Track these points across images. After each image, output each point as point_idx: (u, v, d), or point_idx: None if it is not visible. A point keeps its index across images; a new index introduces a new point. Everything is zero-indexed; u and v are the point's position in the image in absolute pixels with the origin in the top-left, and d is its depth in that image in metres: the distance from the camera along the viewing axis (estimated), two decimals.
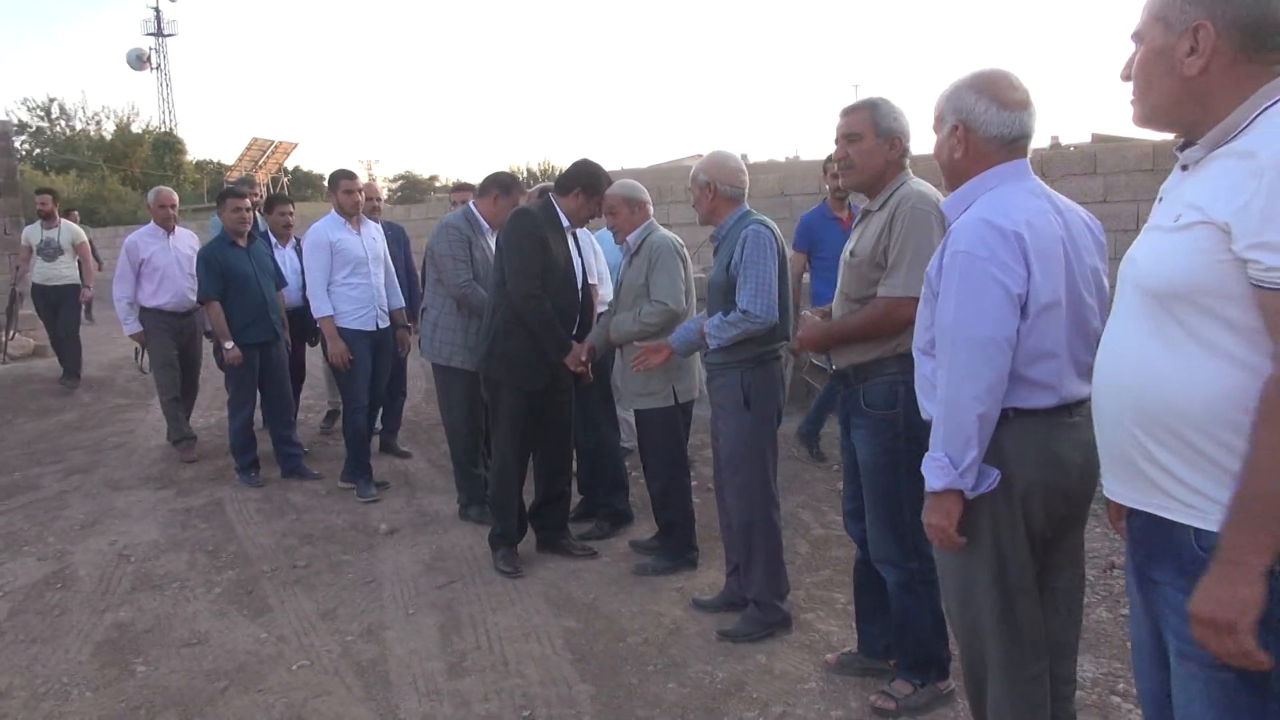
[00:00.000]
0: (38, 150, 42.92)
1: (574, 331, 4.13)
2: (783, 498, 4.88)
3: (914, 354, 2.25)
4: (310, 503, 5.22)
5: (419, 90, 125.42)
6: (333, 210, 5.30)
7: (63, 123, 44.41)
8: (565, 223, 4.06)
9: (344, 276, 5.17)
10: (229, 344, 5.43)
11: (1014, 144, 2.11)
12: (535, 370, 3.99)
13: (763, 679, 3.10)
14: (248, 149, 37.98)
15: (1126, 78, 1.59)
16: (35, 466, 6.20)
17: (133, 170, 36.20)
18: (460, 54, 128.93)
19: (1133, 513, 1.57)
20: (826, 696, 2.98)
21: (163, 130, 43.51)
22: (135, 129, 41.53)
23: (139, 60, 45.62)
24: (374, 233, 5.47)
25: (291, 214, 6.37)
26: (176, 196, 6.68)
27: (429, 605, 3.79)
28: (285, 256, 6.17)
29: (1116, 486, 1.59)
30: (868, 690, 2.96)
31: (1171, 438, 1.46)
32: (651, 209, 4.13)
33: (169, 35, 47.54)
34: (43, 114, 43.82)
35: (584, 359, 4.04)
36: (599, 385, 4.67)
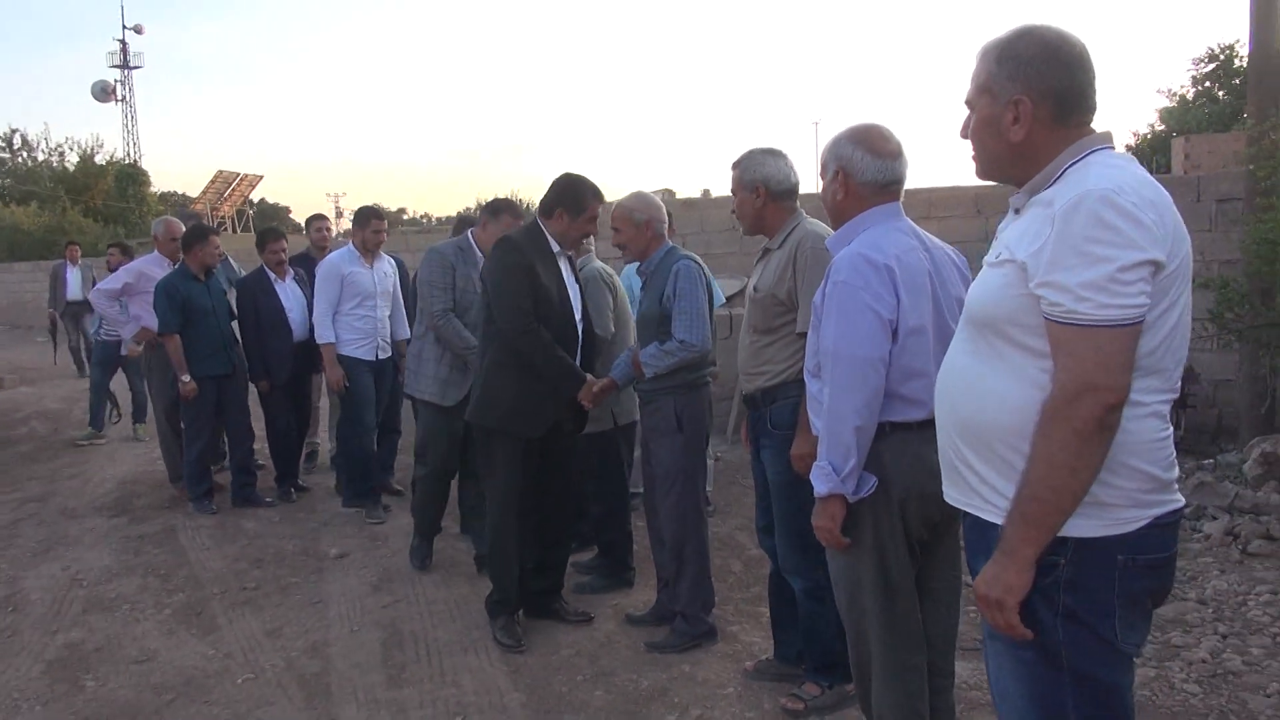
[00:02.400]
0: None
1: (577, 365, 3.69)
2: (721, 520, 5.13)
3: (804, 376, 2.48)
4: (263, 529, 5.34)
5: (386, 123, 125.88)
6: (350, 244, 5.50)
7: (24, 154, 44.00)
8: (555, 248, 3.66)
9: (350, 307, 5.36)
10: (185, 377, 5.52)
11: (887, 188, 2.38)
12: (534, 415, 3.57)
13: (685, 685, 3.29)
14: (213, 181, 37.93)
15: (965, 137, 1.84)
16: None
17: (95, 202, 35.84)
18: (425, 85, 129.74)
19: (965, 513, 1.79)
20: (743, 700, 3.18)
21: (127, 162, 43.25)
22: (99, 160, 41.18)
23: (104, 92, 45.39)
24: (386, 268, 5.59)
25: (284, 250, 5.93)
26: (184, 227, 6.15)
27: (373, 623, 3.94)
28: (286, 290, 5.89)
29: (949, 489, 1.81)
30: (782, 694, 3.15)
31: (983, 447, 1.68)
32: (592, 244, 4.36)
33: (135, 67, 47.47)
34: (4, 145, 43.42)
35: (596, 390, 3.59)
36: None
